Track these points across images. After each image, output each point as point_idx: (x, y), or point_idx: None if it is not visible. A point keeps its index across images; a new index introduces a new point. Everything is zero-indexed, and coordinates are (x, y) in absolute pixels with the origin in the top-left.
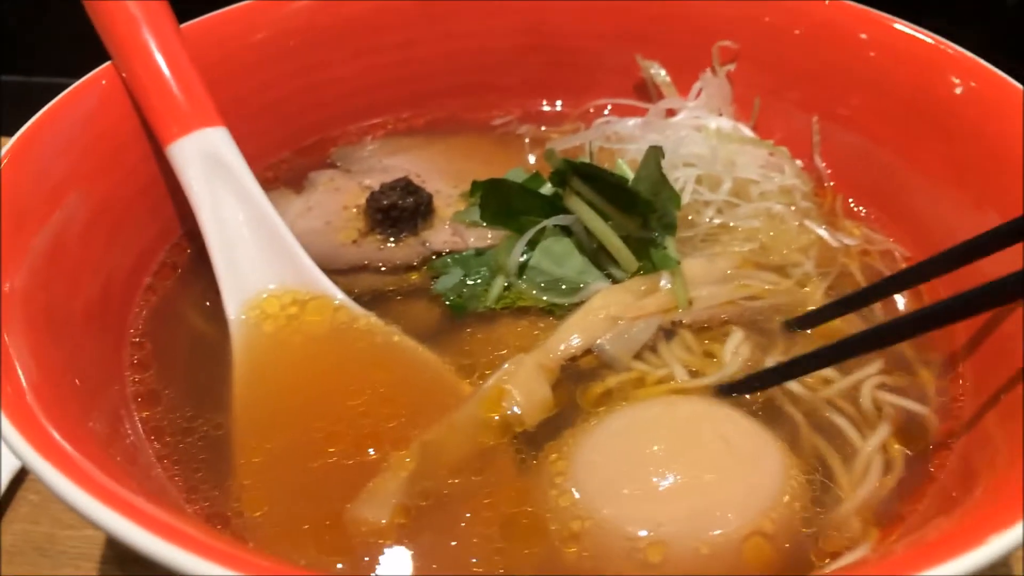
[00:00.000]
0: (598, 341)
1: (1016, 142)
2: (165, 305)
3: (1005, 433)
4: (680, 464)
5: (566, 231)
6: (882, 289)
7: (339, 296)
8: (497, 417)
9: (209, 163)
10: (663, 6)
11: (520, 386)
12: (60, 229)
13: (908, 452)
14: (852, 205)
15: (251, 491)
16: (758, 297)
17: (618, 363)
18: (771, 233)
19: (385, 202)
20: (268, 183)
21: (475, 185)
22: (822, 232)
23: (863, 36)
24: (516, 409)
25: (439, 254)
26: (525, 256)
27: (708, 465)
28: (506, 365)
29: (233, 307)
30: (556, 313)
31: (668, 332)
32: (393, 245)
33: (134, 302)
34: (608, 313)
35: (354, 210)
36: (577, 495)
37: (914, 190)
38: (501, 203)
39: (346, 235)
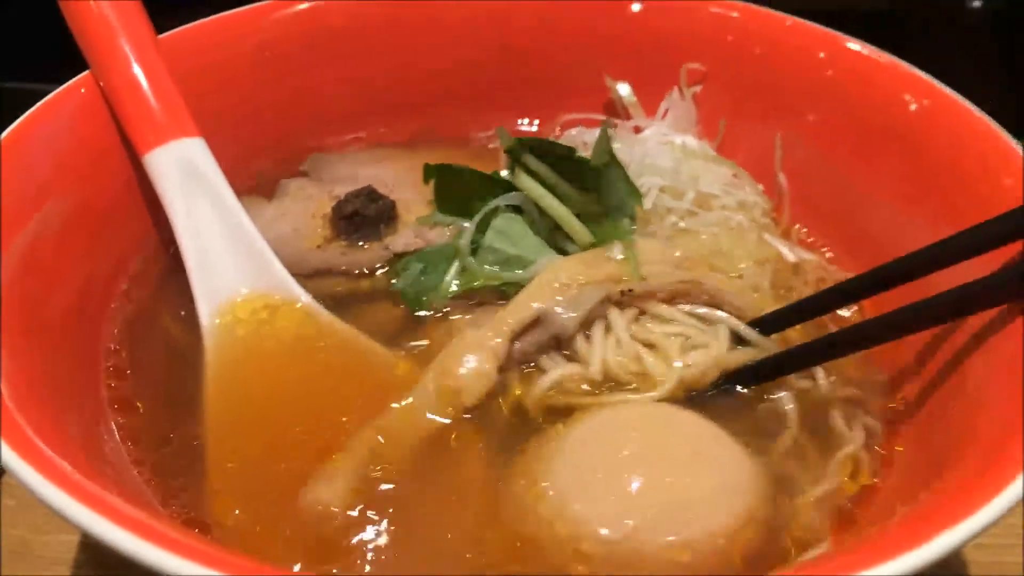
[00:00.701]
0: (543, 306)
1: (967, 159)
2: (141, 313)
3: (945, 439)
4: (651, 468)
5: (519, 211)
6: (839, 296)
7: (310, 301)
8: (440, 396)
9: (185, 172)
10: (630, 26)
11: (459, 361)
12: (38, 234)
13: (861, 456)
14: (806, 235)
15: (222, 495)
16: (716, 288)
17: (565, 331)
18: (730, 241)
19: (349, 209)
20: (243, 191)
21: (427, 168)
22: (781, 247)
23: (821, 55)
24: (458, 384)
25: (401, 256)
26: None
27: (679, 469)
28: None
29: (206, 311)
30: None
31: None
32: (357, 249)
33: (111, 309)
34: (559, 282)
35: (321, 218)
36: (549, 498)
37: (872, 208)
38: (456, 190)
39: (312, 241)
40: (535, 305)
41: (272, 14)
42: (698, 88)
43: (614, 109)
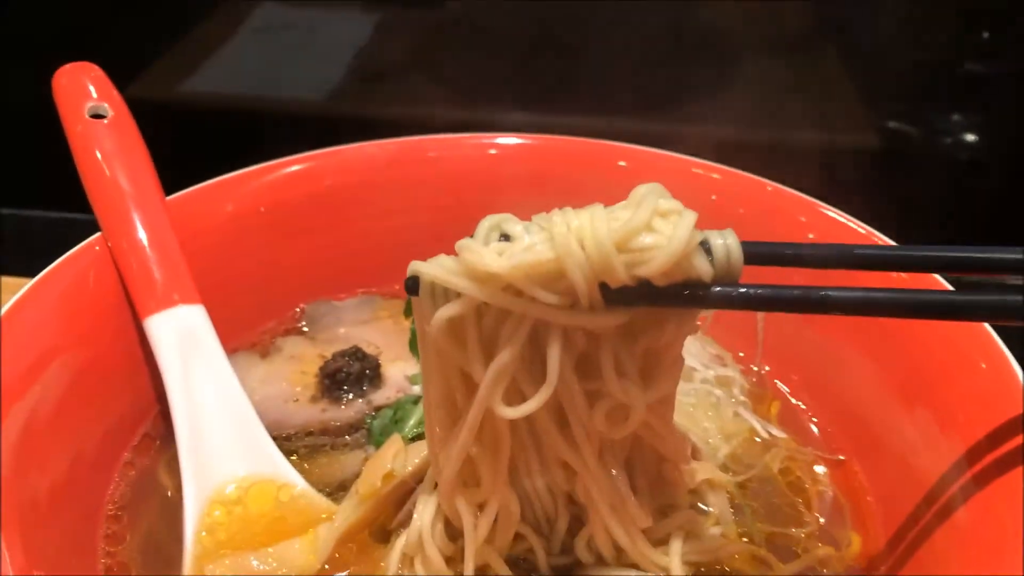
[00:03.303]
0: None
1: (940, 339)
2: (142, 477)
3: None
4: None
5: None
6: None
7: (305, 486)
8: None
9: (183, 340)
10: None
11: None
12: (41, 398)
13: None
14: (797, 402)
15: None
16: None
17: None
18: (708, 413)
19: (332, 367)
20: (241, 348)
21: (408, 303)
22: (755, 423)
23: (802, 219)
24: None
25: (381, 408)
26: None
27: None
28: None
29: (192, 496)
30: None
31: None
32: (339, 405)
33: (112, 474)
34: None
35: (313, 377)
36: None
37: (853, 380)
38: None
39: (298, 402)
40: None
41: (263, 178)
42: None
43: None
